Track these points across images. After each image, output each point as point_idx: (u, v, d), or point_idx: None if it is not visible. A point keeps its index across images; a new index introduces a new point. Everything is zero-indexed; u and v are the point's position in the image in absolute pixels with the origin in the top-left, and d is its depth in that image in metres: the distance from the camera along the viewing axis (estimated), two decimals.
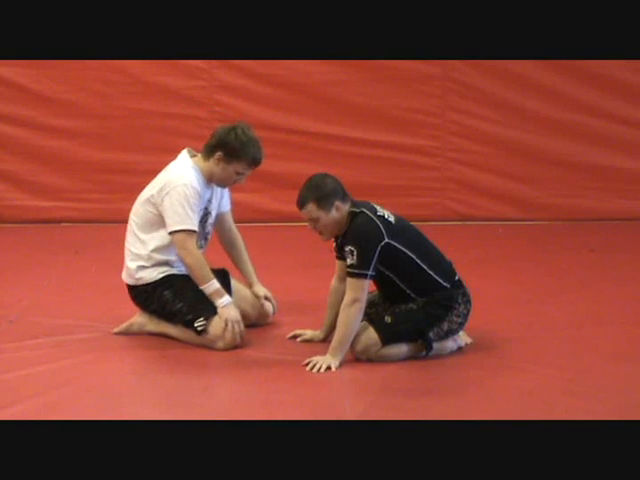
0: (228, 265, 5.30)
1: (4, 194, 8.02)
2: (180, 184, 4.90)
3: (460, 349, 4.88)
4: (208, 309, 4.91)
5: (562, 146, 8.11)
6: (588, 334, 5.18)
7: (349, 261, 4.62)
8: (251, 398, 4.42)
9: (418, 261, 4.71)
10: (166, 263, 5.02)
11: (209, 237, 5.17)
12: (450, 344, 4.85)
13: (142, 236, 5.02)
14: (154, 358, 4.92)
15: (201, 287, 4.91)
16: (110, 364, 4.77)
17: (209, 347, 4.91)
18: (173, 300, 4.98)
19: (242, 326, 4.91)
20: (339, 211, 4.69)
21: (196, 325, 4.90)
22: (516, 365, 4.71)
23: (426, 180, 8.12)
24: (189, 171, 4.96)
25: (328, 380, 4.55)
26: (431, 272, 4.73)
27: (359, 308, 4.63)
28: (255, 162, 4.97)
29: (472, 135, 8.08)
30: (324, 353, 4.68)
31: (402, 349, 4.76)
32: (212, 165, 4.97)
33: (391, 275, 4.70)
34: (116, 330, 5.13)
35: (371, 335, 4.70)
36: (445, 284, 4.75)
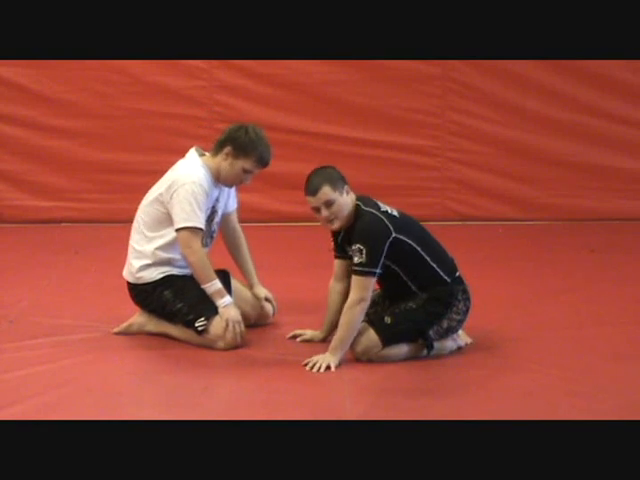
0: (230, 265, 5.29)
1: (4, 194, 8.02)
2: (188, 182, 4.90)
3: (460, 349, 4.89)
4: (209, 309, 4.91)
5: (562, 146, 8.11)
6: (588, 334, 5.18)
7: (356, 259, 4.62)
8: (251, 398, 4.42)
9: (423, 254, 4.73)
10: (168, 263, 5.02)
11: (215, 236, 5.17)
12: (450, 344, 4.85)
13: (149, 234, 5.02)
14: (154, 358, 4.92)
15: (203, 286, 4.91)
16: (110, 364, 4.77)
17: (209, 347, 4.91)
18: (173, 300, 4.98)
19: (243, 326, 4.91)
20: (349, 196, 4.72)
21: (197, 325, 4.90)
22: (516, 365, 4.71)
23: (426, 180, 8.12)
24: (198, 169, 4.96)
25: (328, 380, 4.55)
26: (434, 265, 4.74)
27: (363, 308, 4.64)
28: (263, 161, 4.97)
29: (472, 135, 8.07)
30: (324, 353, 4.67)
31: (403, 349, 4.76)
32: (220, 160, 4.97)
33: (396, 268, 4.70)
34: (116, 330, 5.14)
35: (371, 337, 4.70)
36: (446, 278, 4.76)
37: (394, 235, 4.65)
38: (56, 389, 4.38)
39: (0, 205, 8.03)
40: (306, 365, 4.65)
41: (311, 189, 4.70)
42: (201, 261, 4.91)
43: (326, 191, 4.67)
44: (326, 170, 4.78)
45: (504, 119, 8.07)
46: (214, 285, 4.91)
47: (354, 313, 4.63)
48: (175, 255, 5.00)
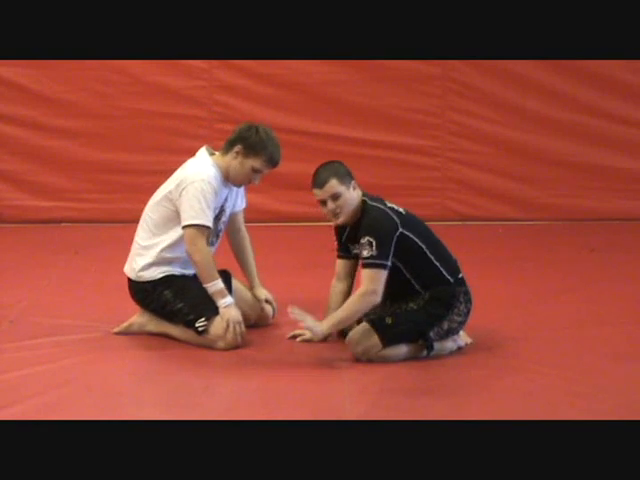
0: (231, 265, 5.29)
1: (4, 194, 8.01)
2: (198, 180, 4.90)
3: (460, 349, 4.88)
4: (209, 309, 4.91)
5: (562, 146, 8.10)
6: (589, 334, 5.18)
7: (366, 253, 4.62)
8: (251, 398, 4.42)
9: (427, 252, 4.74)
10: (172, 262, 5.02)
11: (221, 235, 5.17)
12: (450, 344, 4.85)
13: (156, 232, 5.02)
14: (154, 358, 4.92)
15: (205, 285, 4.91)
16: (110, 364, 4.77)
17: (209, 347, 4.91)
18: (174, 300, 4.98)
19: (243, 327, 4.91)
20: (356, 191, 4.75)
21: (197, 325, 4.90)
22: (516, 365, 4.71)
23: (426, 180, 8.12)
24: (208, 168, 4.96)
25: (328, 380, 4.55)
26: (438, 264, 4.75)
27: (373, 301, 4.64)
28: (273, 161, 4.98)
29: (472, 135, 8.07)
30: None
31: (402, 350, 4.76)
32: (230, 159, 4.97)
33: (400, 265, 4.70)
34: (116, 330, 5.13)
35: (372, 337, 4.69)
36: (449, 278, 4.76)
37: (400, 230, 4.67)
38: (56, 389, 4.38)
39: (0, 205, 8.02)
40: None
41: (319, 182, 4.72)
42: (206, 260, 4.91)
43: (333, 184, 4.69)
44: (334, 164, 4.81)
45: (504, 119, 8.06)
46: (216, 285, 4.91)
47: (362, 302, 4.64)
48: (180, 254, 5.00)
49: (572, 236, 7.66)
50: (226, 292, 4.94)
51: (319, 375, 4.58)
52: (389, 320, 4.72)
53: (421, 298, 4.76)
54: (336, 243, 4.95)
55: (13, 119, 7.89)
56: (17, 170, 7.98)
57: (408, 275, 4.74)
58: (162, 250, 5.00)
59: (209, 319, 4.89)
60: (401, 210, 4.79)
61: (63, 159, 7.97)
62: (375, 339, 4.69)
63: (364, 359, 4.72)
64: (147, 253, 5.03)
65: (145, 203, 5.19)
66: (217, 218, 5.03)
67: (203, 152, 5.08)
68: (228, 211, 5.14)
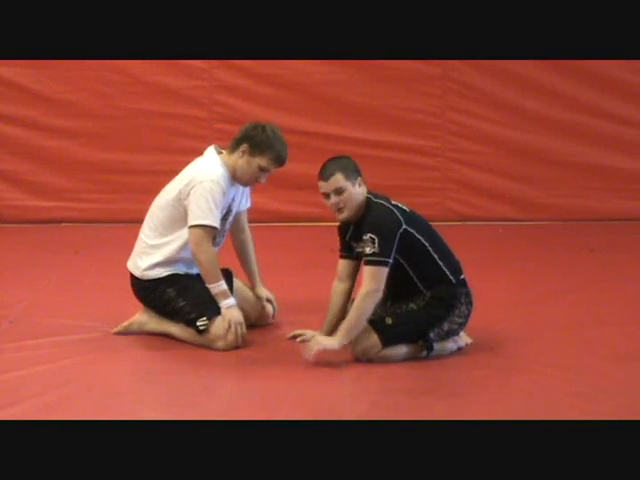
0: (233, 264, 5.29)
1: (4, 194, 8.01)
2: (207, 179, 4.90)
3: (460, 349, 4.88)
4: (211, 309, 4.91)
5: (562, 146, 8.11)
6: (589, 334, 5.18)
7: (369, 250, 4.62)
8: (251, 398, 4.42)
9: (431, 250, 4.74)
10: (178, 262, 5.02)
11: (226, 234, 5.17)
12: (450, 345, 4.85)
13: (163, 231, 5.02)
14: (154, 358, 4.92)
15: (208, 286, 4.91)
16: (110, 364, 4.77)
17: (209, 347, 4.91)
18: (176, 298, 4.98)
19: (244, 328, 4.91)
20: (361, 188, 4.75)
21: (198, 324, 4.90)
22: (517, 365, 4.71)
23: (426, 180, 8.12)
24: (217, 168, 4.96)
25: (328, 380, 4.54)
26: (441, 263, 4.76)
27: (377, 298, 4.64)
28: (279, 160, 4.98)
29: (472, 135, 8.08)
30: (324, 353, 4.67)
31: (402, 350, 4.76)
32: (236, 158, 4.97)
33: (403, 262, 4.70)
34: (116, 329, 5.13)
35: (371, 337, 4.69)
36: (451, 278, 4.76)
37: (404, 227, 4.67)
38: (56, 389, 4.38)
39: (0, 205, 8.03)
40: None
41: (324, 174, 4.74)
42: (210, 261, 4.90)
43: (338, 178, 4.70)
44: (342, 160, 4.83)
45: (504, 119, 8.07)
46: (220, 286, 4.91)
47: (367, 302, 4.63)
48: (188, 255, 5.00)
49: (572, 236, 7.66)
50: (229, 293, 4.94)
51: (319, 375, 4.58)
52: (389, 320, 4.72)
53: (422, 298, 4.76)
54: (339, 243, 4.94)
55: (13, 119, 7.89)
56: (17, 170, 7.98)
57: (411, 273, 4.74)
58: (171, 251, 5.00)
59: (210, 319, 4.89)
60: (405, 208, 4.79)
61: (63, 159, 7.97)
62: (375, 339, 4.69)
63: (364, 359, 4.72)
64: (154, 252, 5.03)
65: (145, 203, 5.19)
66: (224, 218, 5.04)
67: (211, 151, 5.08)
68: (234, 211, 5.14)
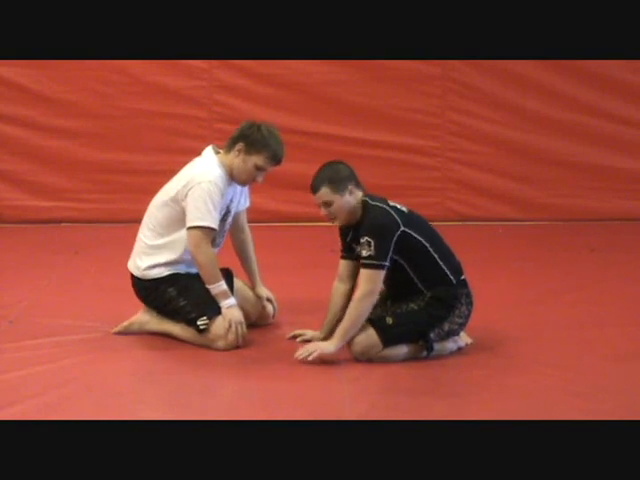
0: (234, 264, 5.29)
1: (4, 194, 8.01)
2: (205, 180, 4.90)
3: (460, 349, 4.88)
4: (212, 309, 4.91)
5: (562, 146, 8.10)
6: (589, 334, 5.18)
7: (365, 253, 4.62)
8: (251, 398, 4.42)
9: (431, 250, 4.73)
10: (179, 262, 5.02)
11: (225, 235, 5.17)
12: (450, 345, 4.85)
13: (162, 232, 5.02)
14: (154, 358, 4.92)
15: (208, 286, 4.91)
16: (110, 364, 4.77)
17: (209, 347, 4.91)
18: (177, 297, 4.99)
19: (244, 328, 4.91)
20: (353, 195, 4.72)
21: (199, 324, 4.90)
22: (517, 365, 4.71)
23: (426, 180, 8.12)
24: (215, 168, 4.96)
25: (328, 380, 4.54)
26: (441, 263, 4.75)
27: (372, 302, 4.65)
28: (276, 158, 4.97)
29: (472, 135, 8.07)
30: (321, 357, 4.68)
31: (402, 350, 4.76)
32: (233, 157, 4.97)
33: (403, 263, 4.70)
34: (116, 329, 5.13)
35: (371, 337, 4.69)
36: (452, 278, 4.76)
37: (402, 229, 4.66)
38: (56, 389, 4.38)
39: (0, 205, 8.02)
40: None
41: (313, 188, 4.75)
42: (210, 261, 4.90)
43: (324, 192, 4.70)
44: (332, 167, 4.80)
45: (504, 119, 8.06)
46: (220, 286, 4.91)
47: (362, 306, 4.63)
48: (188, 257, 4.99)
49: (572, 236, 7.65)
50: (229, 293, 4.94)
51: (319, 375, 4.58)
52: (389, 320, 4.72)
53: (422, 298, 4.75)
54: (340, 243, 4.94)
55: (13, 119, 7.88)
56: (17, 170, 7.97)
57: (411, 274, 4.74)
58: (174, 254, 4.99)
59: (211, 318, 4.89)
60: (404, 209, 4.78)
61: (63, 159, 7.96)
62: (375, 339, 4.69)
63: (364, 359, 4.72)
64: (155, 253, 5.03)
65: (145, 203, 5.19)
66: (223, 219, 5.03)
67: (209, 151, 5.07)
68: (233, 211, 5.14)
